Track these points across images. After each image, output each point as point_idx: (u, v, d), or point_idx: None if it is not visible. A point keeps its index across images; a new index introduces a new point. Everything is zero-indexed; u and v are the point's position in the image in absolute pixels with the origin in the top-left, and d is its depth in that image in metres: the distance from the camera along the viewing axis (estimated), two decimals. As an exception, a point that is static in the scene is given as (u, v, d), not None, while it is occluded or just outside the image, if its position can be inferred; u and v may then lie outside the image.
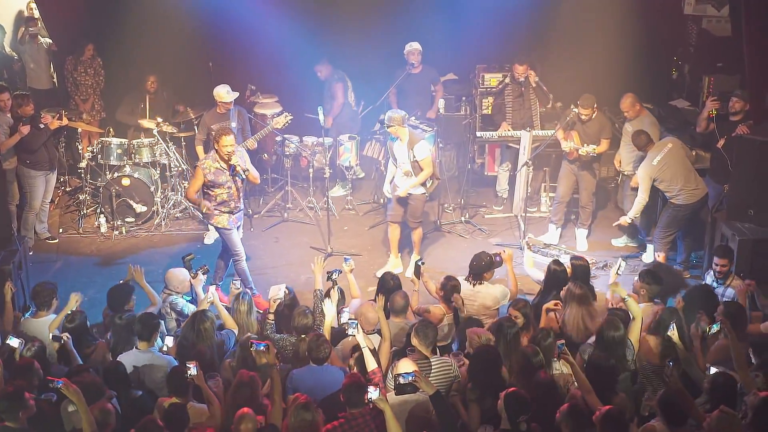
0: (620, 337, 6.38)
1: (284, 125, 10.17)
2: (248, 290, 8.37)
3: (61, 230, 10.85)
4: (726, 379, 5.81)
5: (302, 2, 12.01)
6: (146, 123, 11.18)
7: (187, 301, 7.89)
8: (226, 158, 8.49)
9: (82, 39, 11.82)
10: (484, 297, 7.70)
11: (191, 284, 7.87)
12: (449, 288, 7.44)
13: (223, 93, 10.09)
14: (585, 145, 9.77)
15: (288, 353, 6.89)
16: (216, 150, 8.59)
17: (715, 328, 6.39)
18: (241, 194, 8.88)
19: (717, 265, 7.87)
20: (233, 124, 10.12)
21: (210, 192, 8.71)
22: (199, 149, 10.35)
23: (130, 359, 6.57)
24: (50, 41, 12.28)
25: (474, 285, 7.74)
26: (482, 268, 7.74)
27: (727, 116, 9.30)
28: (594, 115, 9.82)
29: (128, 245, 10.53)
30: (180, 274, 7.92)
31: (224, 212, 8.74)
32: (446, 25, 11.97)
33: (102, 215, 10.79)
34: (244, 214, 10.88)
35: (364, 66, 12.01)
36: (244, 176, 8.62)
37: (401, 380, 5.71)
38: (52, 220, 10.95)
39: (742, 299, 7.27)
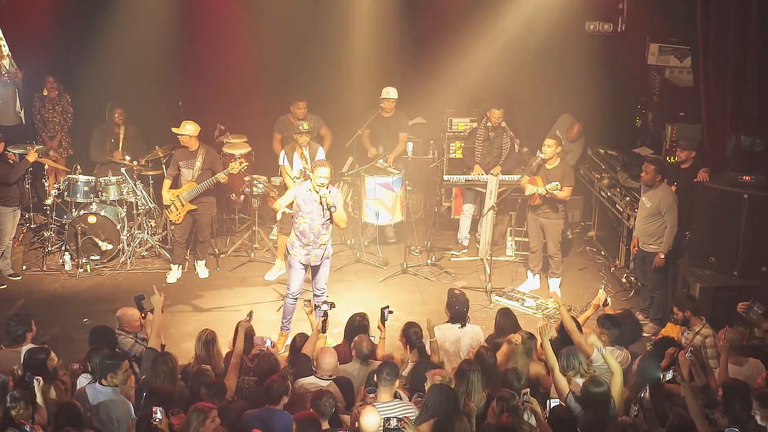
0: (604, 393, 6.13)
1: (239, 171, 10.22)
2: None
3: (24, 267, 10.72)
4: (682, 421, 5.88)
5: (275, 42, 12.05)
6: (120, 157, 11.26)
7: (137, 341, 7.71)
8: (317, 188, 8.59)
9: (49, 74, 11.81)
10: (472, 337, 7.56)
11: (142, 324, 7.75)
12: (411, 334, 7.31)
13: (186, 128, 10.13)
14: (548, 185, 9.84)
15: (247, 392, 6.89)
16: (311, 179, 8.72)
17: (669, 375, 6.36)
18: (324, 230, 8.80)
19: (673, 314, 7.92)
20: (197, 163, 10.14)
21: (295, 217, 8.84)
22: (166, 183, 10.29)
23: (91, 393, 6.48)
24: (15, 68, 12.19)
25: (461, 327, 7.63)
26: (465, 310, 7.66)
27: (678, 165, 9.55)
28: (557, 162, 9.95)
29: (92, 283, 10.43)
30: (131, 314, 7.78)
31: (303, 244, 8.78)
32: (416, 69, 12.13)
33: (67, 253, 10.69)
34: (210, 253, 10.91)
35: (335, 107, 12.08)
36: (330, 211, 8.67)
37: (390, 424, 5.71)
38: (16, 257, 10.82)
39: (685, 371, 6.60)
